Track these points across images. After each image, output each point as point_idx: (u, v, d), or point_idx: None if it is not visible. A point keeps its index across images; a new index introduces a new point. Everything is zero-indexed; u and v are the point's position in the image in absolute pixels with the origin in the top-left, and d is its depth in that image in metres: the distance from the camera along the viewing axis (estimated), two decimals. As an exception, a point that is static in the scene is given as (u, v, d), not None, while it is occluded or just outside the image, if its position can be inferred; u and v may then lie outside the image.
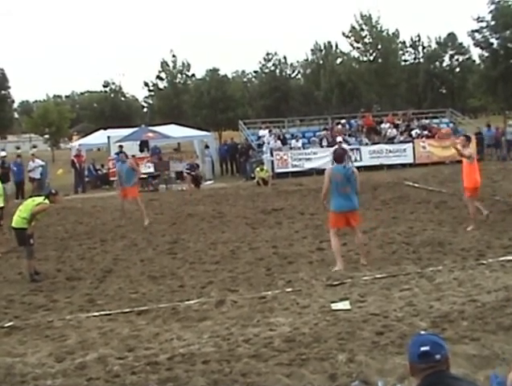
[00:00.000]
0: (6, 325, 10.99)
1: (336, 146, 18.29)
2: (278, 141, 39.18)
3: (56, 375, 8.52)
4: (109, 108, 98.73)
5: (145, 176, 35.31)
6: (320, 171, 35.79)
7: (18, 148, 57.46)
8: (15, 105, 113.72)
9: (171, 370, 8.36)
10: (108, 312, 11.34)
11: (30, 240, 14.44)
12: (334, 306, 10.65)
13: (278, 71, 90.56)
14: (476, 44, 59.54)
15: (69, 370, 8.66)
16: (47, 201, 14.74)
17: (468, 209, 17.57)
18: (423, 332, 4.33)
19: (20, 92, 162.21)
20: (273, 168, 36.38)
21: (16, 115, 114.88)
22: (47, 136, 78.34)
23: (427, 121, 44.51)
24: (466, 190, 17.51)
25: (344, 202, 13.51)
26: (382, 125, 42.49)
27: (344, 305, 10.70)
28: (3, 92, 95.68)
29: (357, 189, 13.79)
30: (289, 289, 11.95)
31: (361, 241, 14.14)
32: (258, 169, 33.86)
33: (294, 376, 7.85)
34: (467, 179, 17.42)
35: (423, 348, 4.42)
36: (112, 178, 38.02)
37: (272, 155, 37.34)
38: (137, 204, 22.26)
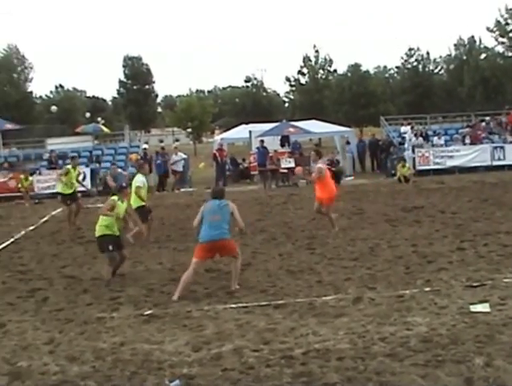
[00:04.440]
0: (146, 313, 11.38)
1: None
2: (420, 138, 38.59)
3: (192, 364, 8.76)
4: (250, 103, 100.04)
5: (285, 171, 35.66)
6: (462, 169, 35.21)
7: (161, 141, 58.95)
8: (159, 100, 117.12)
9: (306, 365, 8.44)
10: (245, 304, 11.52)
11: (109, 247, 13.96)
12: (473, 308, 10.46)
13: (420, 66, 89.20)
14: None
15: (205, 360, 8.89)
16: (114, 198, 14.42)
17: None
18: None
19: (164, 87, 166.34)
20: (414, 165, 35.88)
21: (160, 109, 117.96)
22: (189, 130, 79.86)
23: None
24: (323, 201, 18.67)
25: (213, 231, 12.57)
26: (528, 123, 41.12)
27: (484, 307, 10.49)
28: (147, 86, 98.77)
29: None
30: (427, 289, 11.81)
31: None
32: (399, 165, 33.48)
33: (429, 378, 7.77)
34: (322, 191, 18.61)
35: None
36: (253, 173, 38.56)
37: (413, 152, 36.84)
38: None
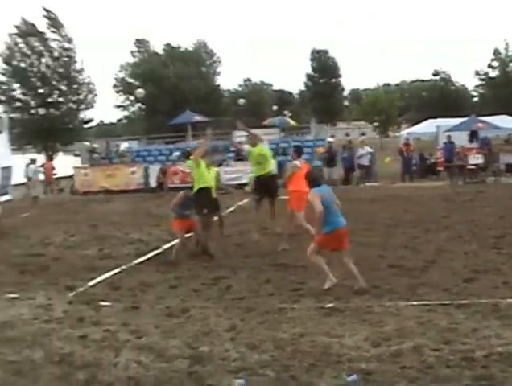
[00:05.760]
0: (327, 306, 11.37)
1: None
2: None
3: (371, 359, 8.68)
4: (437, 97, 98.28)
5: (472, 167, 34.83)
6: None
7: (347, 135, 59.13)
8: (345, 93, 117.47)
9: (487, 368, 8.15)
10: (427, 302, 11.28)
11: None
12: None
13: None
14: None
15: (384, 356, 8.78)
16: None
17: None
18: None
19: (350, 81, 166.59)
20: None
21: (346, 103, 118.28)
22: (376, 124, 79.58)
23: None
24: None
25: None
26: None
27: None
28: (334, 80, 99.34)
29: None
30: None
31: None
32: None
33: None
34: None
35: None
36: (439, 168, 37.92)
37: None
38: None
